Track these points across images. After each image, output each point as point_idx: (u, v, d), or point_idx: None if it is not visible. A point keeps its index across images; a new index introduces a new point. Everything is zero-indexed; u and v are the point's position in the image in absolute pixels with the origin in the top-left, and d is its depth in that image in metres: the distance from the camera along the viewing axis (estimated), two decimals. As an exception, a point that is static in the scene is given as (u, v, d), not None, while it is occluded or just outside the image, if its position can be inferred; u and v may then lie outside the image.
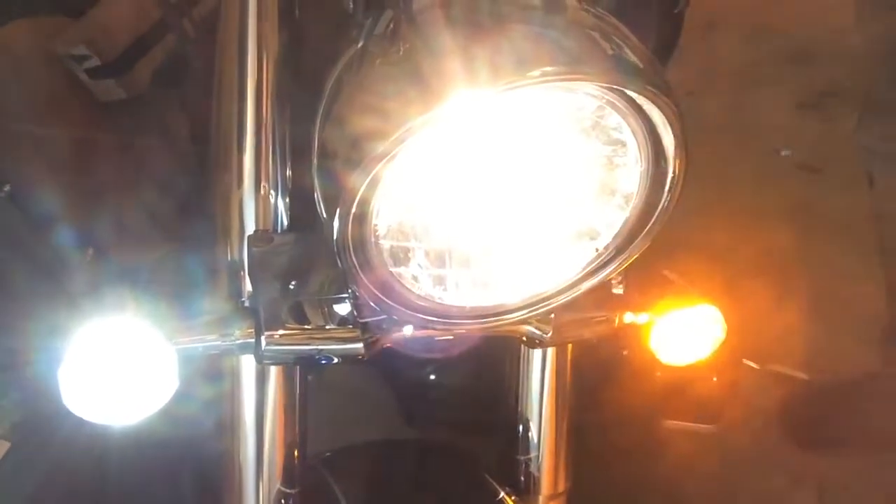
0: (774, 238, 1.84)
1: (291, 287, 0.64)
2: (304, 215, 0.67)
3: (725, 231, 1.80)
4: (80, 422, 0.58)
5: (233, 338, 0.62)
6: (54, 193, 1.19)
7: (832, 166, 2.08)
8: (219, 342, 0.61)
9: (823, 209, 1.98)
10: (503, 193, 0.57)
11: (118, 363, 0.56)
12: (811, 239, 1.88)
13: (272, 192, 0.66)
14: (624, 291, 0.73)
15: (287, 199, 0.67)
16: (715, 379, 0.99)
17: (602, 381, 0.96)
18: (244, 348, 0.62)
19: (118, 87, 1.33)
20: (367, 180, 0.51)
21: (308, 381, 0.72)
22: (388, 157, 0.50)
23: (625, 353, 0.92)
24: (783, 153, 2.09)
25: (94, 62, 1.28)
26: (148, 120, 1.31)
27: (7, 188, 1.18)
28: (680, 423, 1.11)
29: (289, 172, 0.67)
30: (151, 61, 1.34)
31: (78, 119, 1.28)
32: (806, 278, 1.76)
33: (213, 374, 0.68)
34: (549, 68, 0.49)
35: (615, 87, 0.52)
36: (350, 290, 0.63)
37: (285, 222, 0.67)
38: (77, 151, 1.25)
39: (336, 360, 0.64)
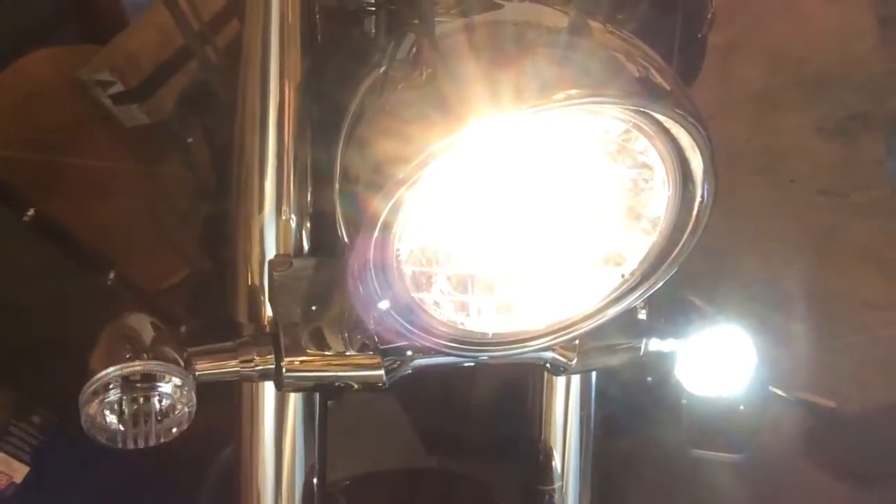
0: (798, 264, 1.81)
1: (312, 312, 0.63)
2: (324, 240, 0.66)
3: (748, 257, 1.78)
4: (100, 447, 0.57)
5: (252, 364, 0.61)
6: (77, 220, 1.20)
7: (855, 192, 2.06)
8: (238, 368, 0.61)
9: (847, 235, 1.96)
10: (527, 218, 0.57)
11: (137, 389, 0.55)
12: (835, 265, 1.85)
13: (293, 216, 0.66)
14: (648, 317, 0.72)
15: (308, 224, 0.67)
16: (742, 407, 0.97)
17: (626, 410, 0.95)
18: (264, 375, 0.61)
19: (141, 112, 1.34)
20: (390, 205, 0.51)
21: (327, 406, 0.71)
22: (411, 181, 0.50)
23: (649, 380, 0.90)
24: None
25: (118, 88, 1.30)
26: (170, 146, 1.32)
27: (31, 212, 1.19)
28: (706, 452, 1.08)
29: (310, 197, 0.67)
30: (174, 87, 1.35)
31: (101, 146, 1.30)
32: (830, 305, 1.73)
33: (231, 398, 0.68)
34: (573, 91, 0.49)
35: (642, 109, 0.51)
36: (371, 316, 0.62)
37: (306, 247, 0.67)
38: (101, 180, 1.26)
39: (356, 388, 0.63)
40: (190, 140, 1.31)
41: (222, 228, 0.70)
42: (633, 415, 1.00)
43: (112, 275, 1.23)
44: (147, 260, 1.26)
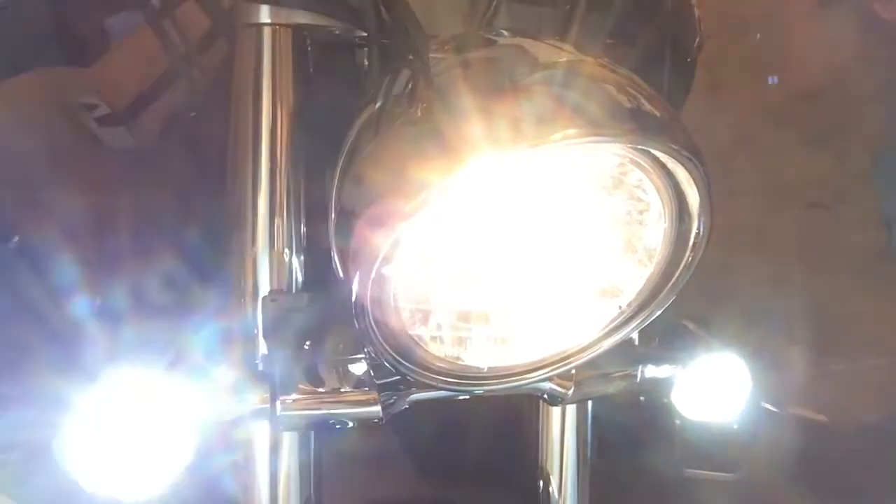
0: (787, 277, 1.82)
1: (306, 348, 0.63)
2: (318, 274, 0.66)
3: (736, 271, 1.79)
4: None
5: (247, 405, 0.60)
6: (62, 246, 1.19)
7: (842, 203, 2.07)
8: (233, 410, 0.60)
9: (835, 247, 1.97)
10: (523, 251, 0.56)
11: (128, 433, 0.54)
12: (824, 277, 1.86)
13: (286, 250, 0.65)
14: (644, 344, 0.72)
15: (302, 259, 0.66)
16: (735, 427, 0.97)
17: (619, 429, 0.94)
18: (259, 415, 0.60)
19: (127, 134, 1.33)
20: (389, 242, 0.50)
21: (323, 440, 0.70)
22: (410, 218, 0.49)
23: (642, 399, 0.90)
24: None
25: (104, 110, 1.29)
26: (157, 169, 1.31)
27: (16, 240, 1.17)
28: (700, 472, 1.08)
29: (303, 231, 0.66)
30: (160, 110, 1.34)
31: (87, 171, 1.28)
32: (820, 318, 1.74)
33: (225, 435, 0.67)
34: (571, 130, 0.48)
35: (639, 147, 0.51)
36: (366, 351, 0.61)
37: (300, 281, 0.66)
38: (86, 205, 1.25)
39: (352, 425, 0.62)
40: (176, 162, 1.30)
41: (214, 261, 0.69)
42: (626, 434, 0.99)
43: (98, 300, 1.21)
44: (134, 285, 1.25)
